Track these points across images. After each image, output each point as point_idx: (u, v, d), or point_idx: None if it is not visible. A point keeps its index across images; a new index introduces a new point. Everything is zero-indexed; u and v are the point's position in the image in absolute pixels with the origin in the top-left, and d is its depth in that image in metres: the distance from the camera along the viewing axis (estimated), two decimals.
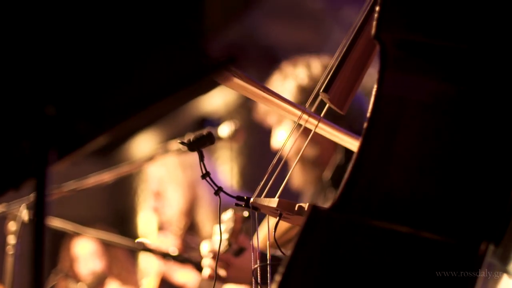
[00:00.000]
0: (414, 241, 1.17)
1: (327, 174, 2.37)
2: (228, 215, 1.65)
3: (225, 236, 1.63)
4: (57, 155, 1.08)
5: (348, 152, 2.27)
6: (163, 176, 3.08)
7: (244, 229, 1.65)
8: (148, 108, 1.03)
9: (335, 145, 2.30)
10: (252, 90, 1.45)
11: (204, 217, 2.99)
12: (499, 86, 1.23)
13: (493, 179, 1.20)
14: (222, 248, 1.62)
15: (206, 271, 1.72)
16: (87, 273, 4.18)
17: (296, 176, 2.38)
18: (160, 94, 1.05)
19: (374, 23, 1.26)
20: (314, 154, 2.35)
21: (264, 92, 1.46)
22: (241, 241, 1.68)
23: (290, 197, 1.52)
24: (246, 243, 1.69)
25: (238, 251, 1.66)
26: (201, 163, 1.50)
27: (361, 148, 1.26)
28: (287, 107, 1.54)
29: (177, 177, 3.04)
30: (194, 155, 3.06)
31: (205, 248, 1.68)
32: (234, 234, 1.63)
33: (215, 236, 1.65)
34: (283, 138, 2.38)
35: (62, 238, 4.39)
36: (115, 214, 10.32)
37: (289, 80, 2.37)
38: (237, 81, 1.37)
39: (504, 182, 1.19)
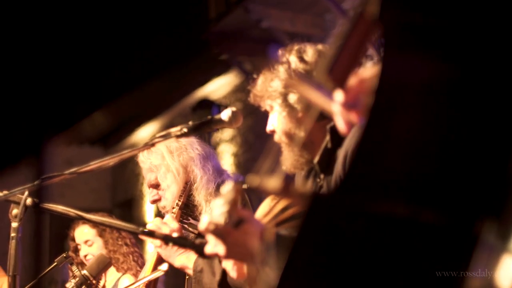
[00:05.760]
0: (414, 225, 1.18)
1: (315, 158, 2.39)
2: (227, 187, 1.67)
3: (225, 208, 1.64)
4: (56, 134, 1.10)
5: (334, 134, 2.30)
6: (153, 167, 3.10)
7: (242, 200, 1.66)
8: (142, 86, 1.04)
9: (323, 129, 2.33)
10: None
11: (200, 196, 3.01)
12: (497, 67, 1.23)
13: (490, 156, 1.20)
14: (222, 220, 1.63)
15: (208, 248, 1.72)
16: (89, 258, 4.22)
17: (288, 158, 2.41)
18: (154, 73, 1.07)
19: (377, 3, 1.26)
20: (303, 136, 2.39)
21: None
22: (240, 212, 1.69)
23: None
24: (244, 214, 1.70)
25: (237, 222, 1.67)
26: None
27: (364, 132, 1.26)
28: None
29: (166, 164, 3.06)
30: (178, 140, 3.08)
31: (205, 220, 1.68)
32: (234, 205, 1.64)
33: (214, 210, 1.66)
34: (274, 122, 2.43)
35: (66, 224, 4.44)
36: (120, 202, 10.37)
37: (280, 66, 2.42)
38: None
39: (502, 160, 1.20)
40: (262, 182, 1.46)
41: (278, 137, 2.43)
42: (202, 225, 1.66)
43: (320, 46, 2.42)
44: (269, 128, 2.45)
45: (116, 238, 4.35)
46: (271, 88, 2.41)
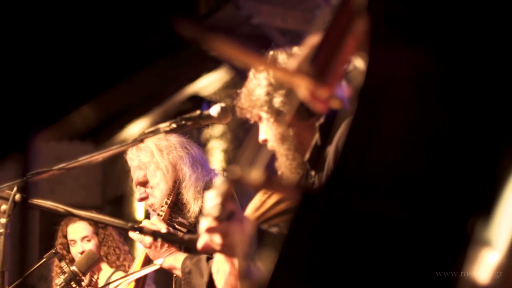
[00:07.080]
0: (403, 221, 1.18)
1: (306, 156, 2.39)
2: (220, 179, 1.66)
3: (218, 200, 1.63)
4: (43, 128, 1.09)
5: (323, 131, 2.30)
6: (142, 164, 3.10)
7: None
8: (132, 81, 1.04)
9: (310, 129, 2.33)
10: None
11: (188, 195, 3.01)
12: (484, 60, 1.23)
13: (479, 151, 1.20)
14: (216, 212, 1.63)
15: (203, 239, 1.71)
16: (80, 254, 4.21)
17: (282, 164, 2.41)
18: (144, 69, 1.06)
19: None
20: (293, 138, 2.38)
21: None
22: (230, 205, 1.69)
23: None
24: (235, 207, 1.70)
25: (229, 215, 1.67)
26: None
27: (351, 127, 1.26)
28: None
29: (155, 162, 3.06)
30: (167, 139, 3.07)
31: (204, 224, 1.68)
32: (226, 197, 1.64)
33: (206, 202, 1.66)
34: (265, 131, 2.43)
35: (56, 221, 4.42)
36: (111, 199, 10.36)
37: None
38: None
39: (491, 155, 1.20)
40: (244, 174, 1.45)
41: (271, 145, 2.43)
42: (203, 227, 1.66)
43: (294, 49, 2.42)
44: (261, 137, 2.45)
45: (109, 235, 4.35)
46: (254, 97, 2.41)
